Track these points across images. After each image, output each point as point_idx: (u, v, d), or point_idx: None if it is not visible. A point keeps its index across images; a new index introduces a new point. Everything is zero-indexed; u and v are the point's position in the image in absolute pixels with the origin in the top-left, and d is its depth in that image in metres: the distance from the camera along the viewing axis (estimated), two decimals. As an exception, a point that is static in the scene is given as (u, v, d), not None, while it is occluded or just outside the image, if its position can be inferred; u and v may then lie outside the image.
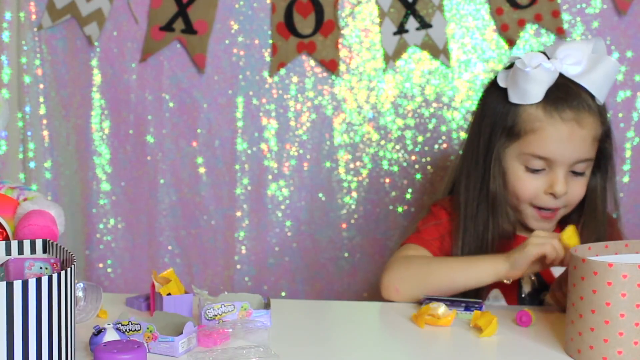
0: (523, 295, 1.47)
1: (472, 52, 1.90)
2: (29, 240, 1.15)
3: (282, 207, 1.95)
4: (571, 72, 1.37)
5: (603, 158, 1.45)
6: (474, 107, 1.86)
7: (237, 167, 1.95)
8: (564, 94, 1.37)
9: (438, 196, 1.72)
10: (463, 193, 1.47)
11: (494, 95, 1.44)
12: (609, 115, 1.46)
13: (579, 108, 1.37)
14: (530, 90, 1.37)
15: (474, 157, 1.46)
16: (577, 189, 1.42)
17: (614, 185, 1.49)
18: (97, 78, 1.95)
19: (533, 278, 1.47)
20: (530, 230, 1.43)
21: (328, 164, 1.94)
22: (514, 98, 1.40)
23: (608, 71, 1.37)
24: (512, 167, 1.42)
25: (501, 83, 1.42)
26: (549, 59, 1.38)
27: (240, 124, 1.94)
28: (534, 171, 1.40)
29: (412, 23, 1.87)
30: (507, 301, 1.46)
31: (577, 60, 1.37)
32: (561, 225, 1.49)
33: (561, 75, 1.38)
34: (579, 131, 1.37)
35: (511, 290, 1.46)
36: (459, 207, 1.48)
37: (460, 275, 1.37)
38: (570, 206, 1.44)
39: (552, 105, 1.37)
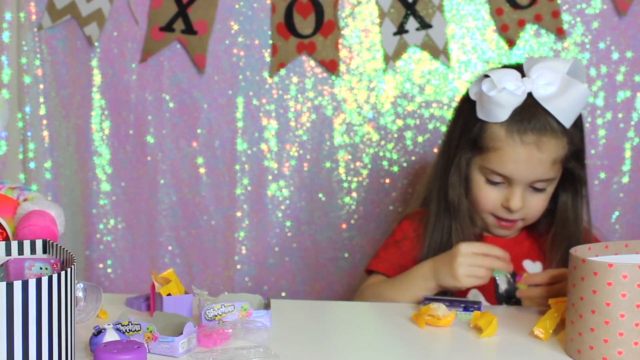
0: (500, 292, 1.49)
1: (472, 53, 1.90)
2: (29, 241, 1.15)
3: (282, 207, 1.95)
4: (541, 93, 1.38)
5: (571, 178, 1.47)
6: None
7: (237, 167, 1.95)
8: (529, 116, 1.38)
9: (412, 206, 1.76)
10: (434, 197, 1.52)
11: (467, 105, 1.47)
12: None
13: (541, 131, 1.38)
14: (494, 111, 1.39)
15: (443, 163, 1.51)
16: (535, 204, 1.46)
17: (587, 204, 1.52)
18: (97, 78, 1.95)
19: (509, 276, 1.49)
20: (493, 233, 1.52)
21: (328, 164, 1.94)
22: (480, 114, 1.42)
23: (576, 98, 1.37)
24: (475, 177, 1.46)
25: (471, 96, 1.45)
26: (523, 75, 1.39)
27: (240, 124, 1.94)
28: (494, 183, 1.44)
29: (412, 23, 1.87)
30: (486, 299, 1.49)
31: (549, 81, 1.38)
32: (528, 230, 1.54)
33: (531, 95, 1.38)
34: (537, 155, 1.39)
35: (489, 289, 1.48)
36: (428, 213, 1.53)
37: (403, 297, 1.42)
38: (528, 220, 1.49)
39: (514, 127, 1.38)
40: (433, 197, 1.53)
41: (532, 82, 1.38)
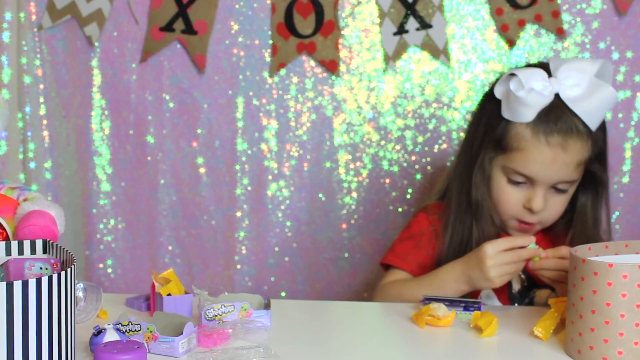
0: (514, 292, 1.48)
1: (472, 53, 1.90)
2: (29, 241, 1.15)
3: (282, 207, 1.95)
4: (568, 94, 1.36)
5: (592, 180, 1.46)
6: (474, 108, 1.87)
7: (237, 167, 1.95)
8: (555, 117, 1.37)
9: (430, 199, 1.75)
10: (454, 195, 1.51)
11: (490, 103, 1.46)
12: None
13: (567, 133, 1.37)
14: (521, 111, 1.38)
15: (466, 161, 1.50)
16: (555, 206, 1.44)
17: (608, 208, 1.51)
18: (97, 78, 1.95)
19: (522, 277, 1.48)
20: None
21: (328, 164, 1.94)
22: (505, 113, 1.41)
23: (603, 101, 1.36)
24: (496, 176, 1.45)
25: (497, 94, 1.43)
26: (550, 75, 1.38)
27: (240, 124, 1.94)
28: (516, 184, 1.43)
29: (412, 23, 1.87)
30: (499, 299, 1.48)
31: (576, 82, 1.36)
32: (545, 230, 1.52)
33: (557, 96, 1.37)
34: (562, 156, 1.38)
35: (502, 289, 1.48)
36: (447, 210, 1.51)
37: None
38: (546, 222, 1.47)
39: (540, 128, 1.37)
40: (454, 196, 1.51)
41: (559, 83, 1.36)
